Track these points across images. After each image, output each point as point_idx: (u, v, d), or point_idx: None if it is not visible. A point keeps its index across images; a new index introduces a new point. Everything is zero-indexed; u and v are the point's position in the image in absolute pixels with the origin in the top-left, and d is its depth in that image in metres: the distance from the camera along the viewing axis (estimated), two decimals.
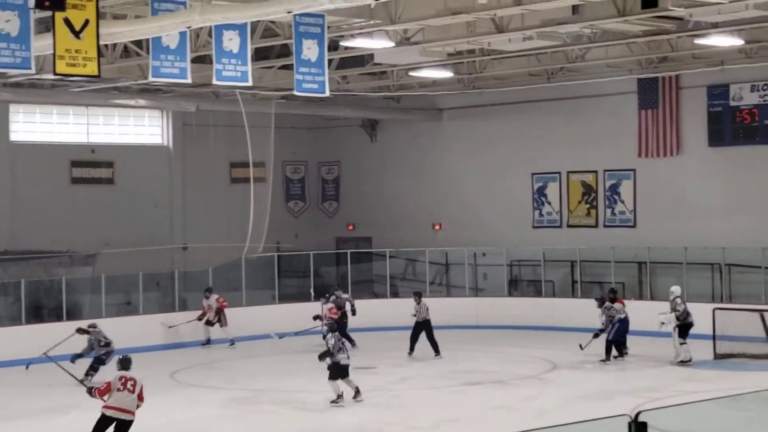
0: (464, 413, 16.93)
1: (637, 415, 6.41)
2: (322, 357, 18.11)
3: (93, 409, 16.50)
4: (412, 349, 23.11)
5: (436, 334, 23.15)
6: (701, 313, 22.84)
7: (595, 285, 27.72)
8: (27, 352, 22.51)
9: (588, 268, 28.20)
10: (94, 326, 20.75)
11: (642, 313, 25.60)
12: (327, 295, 25.18)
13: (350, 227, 34.02)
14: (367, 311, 28.08)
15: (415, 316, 23.10)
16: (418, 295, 23.45)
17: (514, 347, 23.92)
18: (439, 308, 25.91)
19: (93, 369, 20.09)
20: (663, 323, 21.42)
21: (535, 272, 28.88)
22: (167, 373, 21.54)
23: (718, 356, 21.45)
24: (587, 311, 26.51)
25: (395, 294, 30.20)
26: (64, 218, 28.79)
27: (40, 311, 25.78)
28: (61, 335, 21.36)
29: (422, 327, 22.99)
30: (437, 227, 32.07)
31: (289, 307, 28.05)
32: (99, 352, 20.26)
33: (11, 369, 22.09)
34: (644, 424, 6.30)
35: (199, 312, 25.24)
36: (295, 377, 20.90)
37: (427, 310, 23.03)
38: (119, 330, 24.52)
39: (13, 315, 24.67)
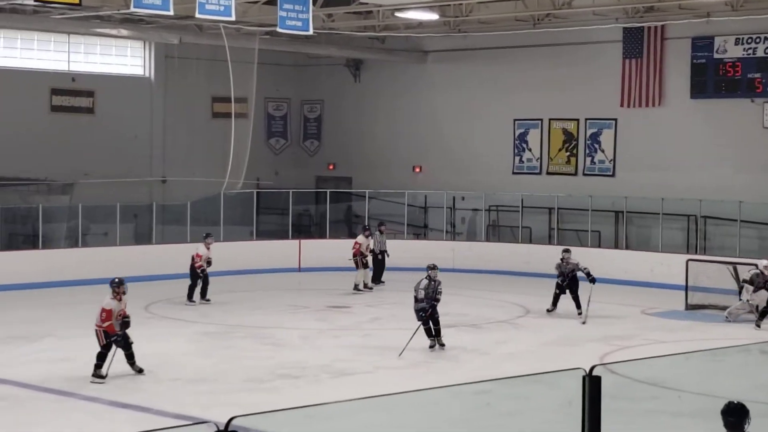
0: (435, 355, 16.99)
1: (591, 369, 6.41)
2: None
3: (67, 338, 16.55)
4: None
5: (414, 276, 23.12)
6: (675, 264, 23.00)
7: (572, 232, 27.81)
8: (1, 279, 22.54)
9: (566, 215, 28.23)
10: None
11: (617, 263, 25.81)
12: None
13: (331, 167, 33.90)
14: (344, 251, 28.17)
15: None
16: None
17: (488, 291, 24.00)
18: (416, 251, 25.95)
19: None
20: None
21: (513, 218, 28.91)
22: (142, 305, 21.52)
23: (689, 307, 21.56)
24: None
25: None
26: (43, 146, 28.53)
27: (15, 239, 25.69)
28: (35, 263, 21.34)
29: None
30: (417, 170, 31.99)
31: (266, 243, 28.10)
32: None
33: None
34: (598, 378, 6.29)
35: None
36: (271, 314, 20.92)
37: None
38: (95, 260, 24.60)
39: None
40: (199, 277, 21.87)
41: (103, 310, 14.32)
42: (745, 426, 6.64)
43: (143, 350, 16.94)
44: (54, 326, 18.84)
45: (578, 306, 20.56)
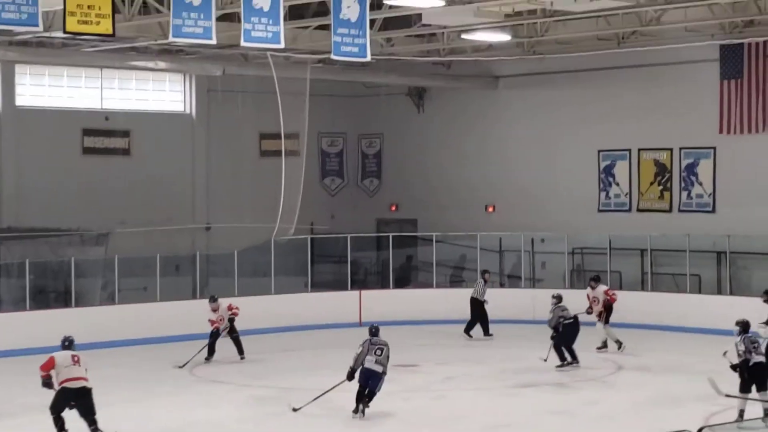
0: (515, 418, 16.94)
1: (699, 431, 6.34)
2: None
3: (110, 405, 16.74)
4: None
5: (493, 327, 23.11)
6: None
7: (668, 277, 27.59)
8: (30, 341, 22.82)
9: (660, 257, 28.06)
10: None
11: (720, 310, 25.50)
12: None
13: (393, 208, 34.06)
14: (410, 302, 28.20)
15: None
16: None
17: (574, 345, 23.81)
18: (493, 300, 25.88)
19: None
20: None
21: (600, 261, 28.75)
22: (187, 367, 21.72)
23: None
24: (658, 306, 26.53)
25: (454, 283, 30.22)
26: (75, 193, 29.01)
27: (45, 295, 26.07)
28: (68, 322, 21.61)
29: None
30: (490, 209, 32.02)
31: (323, 296, 28.21)
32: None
33: (13, 359, 22.39)
34: None
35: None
36: (330, 375, 20.90)
37: None
38: (133, 318, 24.86)
39: (16, 299, 24.95)
40: (217, 337, 22.46)
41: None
42: None
43: (187, 418, 17.12)
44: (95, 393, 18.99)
45: None
